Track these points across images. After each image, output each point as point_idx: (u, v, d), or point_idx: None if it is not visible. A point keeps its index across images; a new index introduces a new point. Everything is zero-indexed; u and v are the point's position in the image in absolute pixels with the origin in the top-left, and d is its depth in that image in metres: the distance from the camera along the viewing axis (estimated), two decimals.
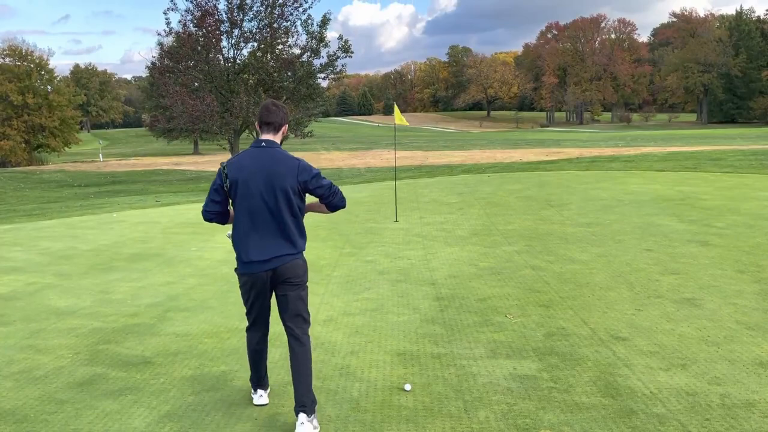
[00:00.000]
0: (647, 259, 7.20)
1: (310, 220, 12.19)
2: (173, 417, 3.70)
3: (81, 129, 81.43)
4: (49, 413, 3.81)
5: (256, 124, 3.53)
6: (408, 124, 11.18)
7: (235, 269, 3.54)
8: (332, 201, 3.52)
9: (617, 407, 3.60)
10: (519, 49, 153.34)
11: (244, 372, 4.36)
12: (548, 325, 5.09)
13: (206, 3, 31.20)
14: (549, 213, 10.89)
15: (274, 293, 3.58)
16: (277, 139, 3.56)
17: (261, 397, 3.84)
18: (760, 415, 3.45)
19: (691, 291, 5.87)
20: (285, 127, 3.62)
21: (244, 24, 32.28)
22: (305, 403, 3.39)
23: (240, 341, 5.00)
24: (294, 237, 3.46)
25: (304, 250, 3.53)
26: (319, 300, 6.09)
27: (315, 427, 3.40)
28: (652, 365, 4.19)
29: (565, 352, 4.49)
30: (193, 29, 31.36)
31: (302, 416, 3.36)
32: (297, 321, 3.53)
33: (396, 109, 11.13)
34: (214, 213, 3.58)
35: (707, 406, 3.57)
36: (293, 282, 3.50)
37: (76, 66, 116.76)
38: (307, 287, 3.61)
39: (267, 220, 3.41)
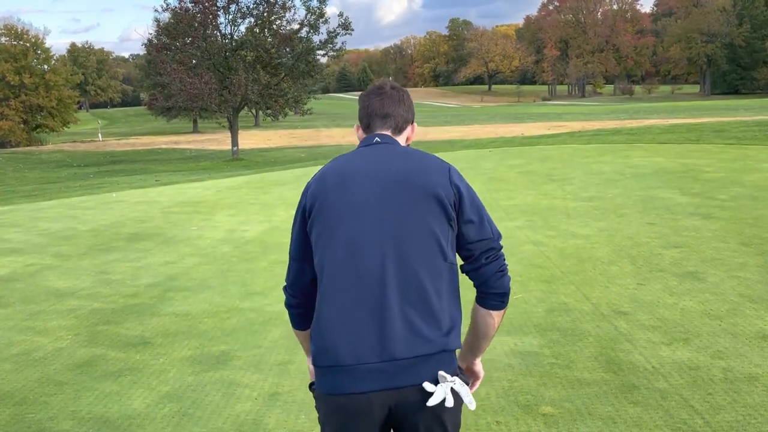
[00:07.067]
0: (649, 232, 7.15)
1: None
2: (173, 397, 3.69)
3: (80, 108, 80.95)
4: (48, 395, 3.80)
5: (356, 126, 2.00)
6: None
7: (311, 385, 1.84)
8: (489, 270, 1.79)
9: (619, 382, 3.58)
10: (520, 21, 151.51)
11: (244, 351, 4.35)
12: (549, 301, 5.05)
13: None
14: (551, 188, 10.81)
15: None
16: (400, 141, 1.95)
17: None
18: (762, 388, 3.42)
19: (694, 264, 5.82)
20: (412, 129, 1.99)
21: None
22: None
23: (239, 321, 4.99)
24: (443, 313, 1.72)
25: (458, 346, 1.77)
26: None
27: None
28: (654, 340, 4.16)
29: (566, 328, 4.46)
30: (189, 5, 30.94)
31: None
32: None
33: None
34: (302, 290, 1.87)
35: (710, 381, 3.54)
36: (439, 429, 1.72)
37: (73, 45, 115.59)
38: None
39: (388, 272, 1.69)
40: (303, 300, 1.87)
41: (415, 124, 2.00)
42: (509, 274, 1.85)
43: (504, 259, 1.82)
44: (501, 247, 1.83)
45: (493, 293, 1.81)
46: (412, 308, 1.68)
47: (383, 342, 1.65)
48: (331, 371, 1.69)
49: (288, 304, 1.93)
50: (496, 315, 1.84)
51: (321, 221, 1.76)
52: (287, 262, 1.92)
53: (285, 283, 1.93)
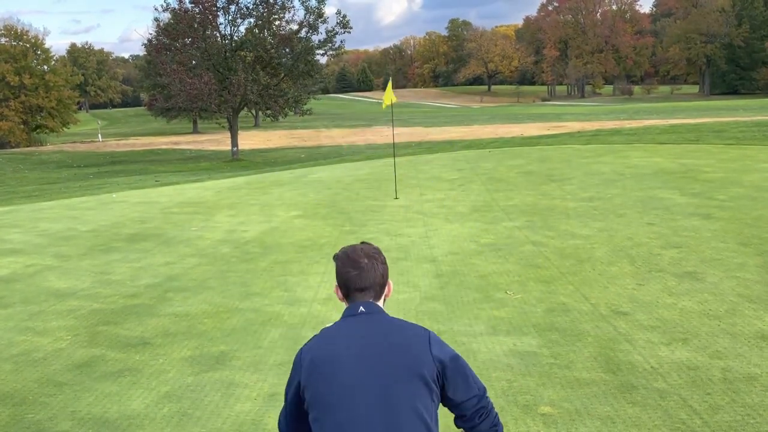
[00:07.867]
0: (649, 233, 7.15)
1: (306, 198, 12.11)
2: (172, 398, 3.69)
3: (80, 109, 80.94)
4: (48, 395, 3.80)
5: (335, 288, 2.11)
6: (395, 100, 11.05)
7: None
8: (483, 427, 1.96)
9: (618, 382, 3.58)
10: (519, 22, 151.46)
11: (243, 352, 4.36)
12: (549, 301, 5.06)
13: None
14: (550, 188, 10.82)
15: None
16: (380, 303, 2.09)
17: None
18: (761, 388, 3.42)
19: (693, 264, 5.82)
20: (389, 288, 2.11)
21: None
22: None
23: (239, 321, 5.00)
24: None
25: None
26: (320, 279, 6.07)
27: None
28: (653, 340, 4.17)
29: (565, 328, 4.47)
30: (189, 5, 30.97)
31: None
32: None
33: (389, 86, 11.02)
34: None
35: (708, 381, 3.54)
36: None
37: (73, 45, 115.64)
38: None
39: None
40: None
41: (390, 282, 2.10)
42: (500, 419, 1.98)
43: (494, 412, 1.97)
44: (489, 401, 1.96)
45: None
46: None
47: None
48: None
49: None
50: None
51: (315, 407, 1.88)
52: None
53: (280, 420, 2.08)
